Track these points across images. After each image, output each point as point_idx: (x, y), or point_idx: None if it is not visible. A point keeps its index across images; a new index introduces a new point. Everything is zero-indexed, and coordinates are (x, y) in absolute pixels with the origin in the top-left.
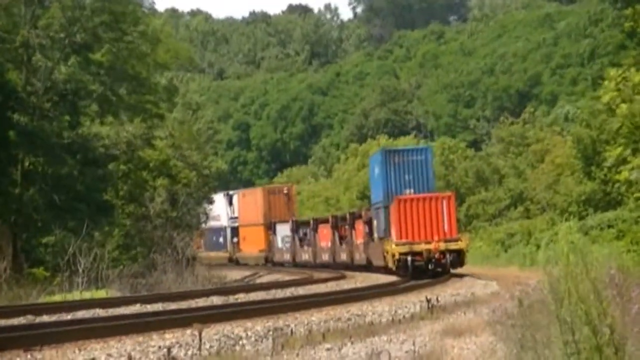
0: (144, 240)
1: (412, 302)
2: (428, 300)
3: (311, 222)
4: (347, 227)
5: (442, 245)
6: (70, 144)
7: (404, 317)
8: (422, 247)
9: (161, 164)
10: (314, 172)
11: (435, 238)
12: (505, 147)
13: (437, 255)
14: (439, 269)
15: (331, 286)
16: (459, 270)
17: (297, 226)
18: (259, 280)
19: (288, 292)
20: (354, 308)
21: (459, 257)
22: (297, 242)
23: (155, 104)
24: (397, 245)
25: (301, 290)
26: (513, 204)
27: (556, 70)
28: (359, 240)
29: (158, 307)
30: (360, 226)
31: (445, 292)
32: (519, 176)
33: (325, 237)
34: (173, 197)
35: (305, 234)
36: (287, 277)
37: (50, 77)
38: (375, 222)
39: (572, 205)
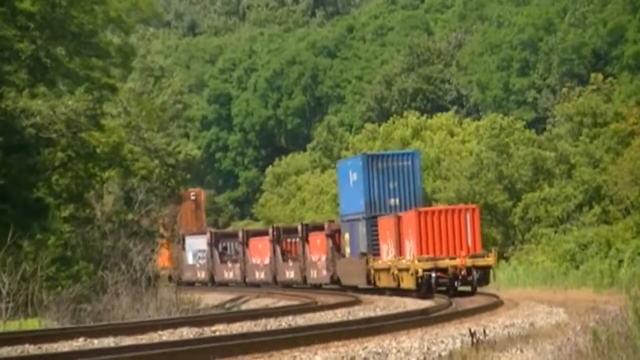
0: (89, 253)
1: (450, 335)
2: (472, 334)
3: (240, 234)
4: (296, 241)
5: (469, 262)
6: None
7: (439, 355)
8: (448, 262)
9: (112, 150)
10: (313, 160)
11: (462, 253)
12: (575, 128)
13: (463, 272)
14: (467, 288)
15: (342, 314)
16: (513, 293)
17: (217, 239)
18: (244, 307)
19: (284, 322)
20: (372, 344)
21: (485, 274)
22: (217, 258)
23: (104, 70)
24: (419, 261)
25: (301, 320)
26: (586, 204)
27: None
28: (316, 256)
29: (109, 342)
30: (319, 240)
31: (495, 323)
32: (594, 167)
33: (260, 252)
34: (128, 195)
35: (226, 248)
36: (281, 302)
37: None
38: (347, 237)
39: None
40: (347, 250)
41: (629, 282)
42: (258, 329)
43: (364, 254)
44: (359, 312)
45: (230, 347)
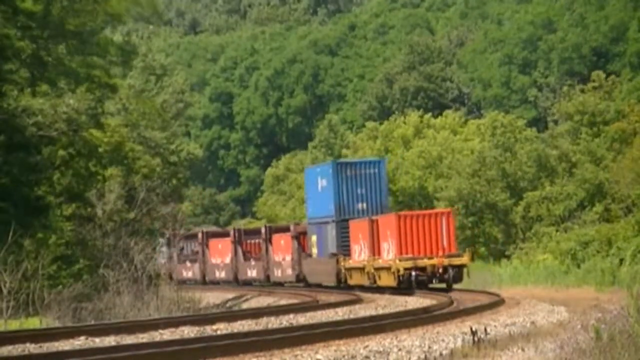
0: (90, 251)
1: (451, 334)
2: (473, 332)
3: (200, 235)
4: (258, 242)
5: (446, 261)
6: None
7: (440, 354)
8: (426, 262)
9: (113, 149)
10: (314, 159)
11: (439, 253)
12: (575, 126)
13: (440, 271)
14: (443, 284)
15: (343, 313)
16: (514, 292)
17: (173, 239)
18: (245, 305)
19: (285, 320)
20: (374, 342)
21: (460, 272)
22: (175, 258)
23: (105, 69)
24: (400, 260)
25: (302, 319)
26: (588, 202)
27: None
28: (280, 256)
29: (110, 341)
30: (283, 241)
31: (497, 321)
32: (595, 165)
33: (220, 252)
34: (129, 193)
35: (182, 249)
36: (282, 301)
37: None
38: (314, 238)
39: None
40: (314, 250)
41: (630, 281)
42: (259, 327)
43: (334, 255)
44: (360, 311)
45: (232, 345)
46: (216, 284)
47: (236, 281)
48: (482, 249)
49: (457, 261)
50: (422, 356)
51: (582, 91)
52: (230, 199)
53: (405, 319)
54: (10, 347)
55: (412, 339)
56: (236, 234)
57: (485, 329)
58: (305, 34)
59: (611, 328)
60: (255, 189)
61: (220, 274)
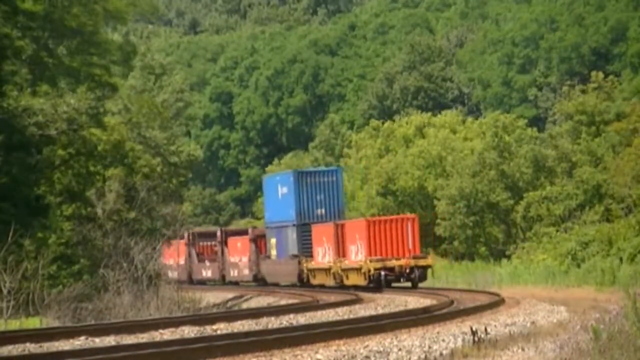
0: (90, 251)
1: (451, 334)
2: (474, 332)
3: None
4: (213, 244)
5: (412, 262)
6: None
7: (440, 354)
8: (394, 262)
9: (113, 148)
10: (315, 159)
11: (406, 255)
12: (575, 126)
13: (407, 271)
14: (409, 283)
15: (343, 312)
16: (514, 292)
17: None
18: (245, 305)
19: (285, 320)
20: (374, 342)
21: (425, 272)
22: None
23: (105, 68)
24: (371, 261)
25: (302, 319)
26: (588, 202)
27: None
28: (236, 257)
29: (110, 341)
30: (239, 244)
31: (497, 321)
32: (595, 165)
33: (172, 254)
34: (130, 193)
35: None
36: (282, 301)
37: None
38: (274, 241)
39: None
40: (274, 252)
41: (628, 281)
42: (259, 327)
43: (295, 256)
44: (360, 311)
45: (232, 345)
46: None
47: (190, 281)
48: (483, 249)
49: (422, 262)
50: (422, 356)
51: (583, 92)
52: (230, 199)
53: (405, 319)
54: (10, 347)
55: (412, 339)
56: (190, 237)
57: (486, 329)
58: (305, 33)
59: (610, 328)
60: (256, 189)
61: (174, 274)
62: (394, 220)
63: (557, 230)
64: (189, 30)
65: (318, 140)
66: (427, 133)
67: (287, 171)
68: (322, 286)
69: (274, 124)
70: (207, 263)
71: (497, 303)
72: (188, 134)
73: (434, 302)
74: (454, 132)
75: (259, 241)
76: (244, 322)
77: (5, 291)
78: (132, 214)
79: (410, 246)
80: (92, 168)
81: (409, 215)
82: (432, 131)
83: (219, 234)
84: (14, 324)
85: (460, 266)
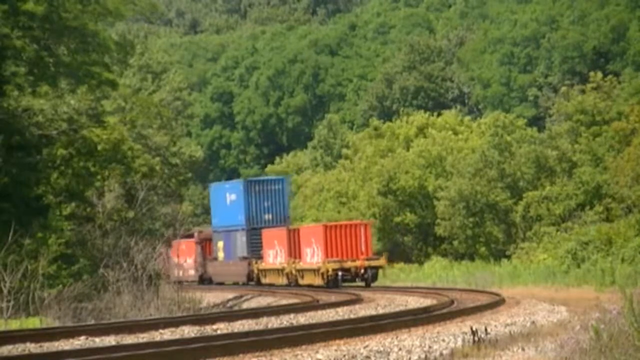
0: (90, 251)
1: (451, 333)
2: (474, 332)
3: None
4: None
5: (366, 263)
6: None
7: (440, 354)
8: (350, 264)
9: (113, 147)
10: (313, 158)
11: (361, 257)
12: (574, 126)
13: (362, 271)
14: (363, 282)
15: (343, 312)
16: (514, 292)
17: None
18: (245, 305)
19: (285, 320)
20: (374, 342)
21: (376, 272)
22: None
23: (105, 65)
24: (329, 263)
25: (302, 318)
26: (588, 202)
27: None
28: (182, 259)
29: (110, 341)
30: (184, 246)
31: (497, 321)
32: (595, 165)
33: None
34: (129, 193)
35: None
36: (283, 301)
37: None
38: (221, 244)
39: None
40: (221, 254)
41: (625, 281)
42: (259, 327)
43: (245, 258)
44: (360, 311)
45: (232, 345)
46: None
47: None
48: (483, 249)
49: (375, 263)
50: (423, 356)
51: (583, 92)
52: None
53: (406, 319)
54: (10, 347)
55: (412, 339)
56: None
57: (486, 329)
58: (305, 33)
59: (610, 328)
60: None
61: None
62: (348, 225)
63: (557, 230)
64: (189, 30)
65: (317, 139)
66: (428, 133)
67: (236, 180)
68: (271, 285)
69: (274, 123)
70: None
71: (497, 303)
72: (189, 134)
73: (434, 302)
74: (455, 132)
75: (204, 244)
76: (243, 322)
77: (5, 291)
78: (132, 214)
79: (363, 249)
80: (91, 168)
81: (362, 221)
82: (432, 131)
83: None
84: (14, 324)
85: (460, 266)
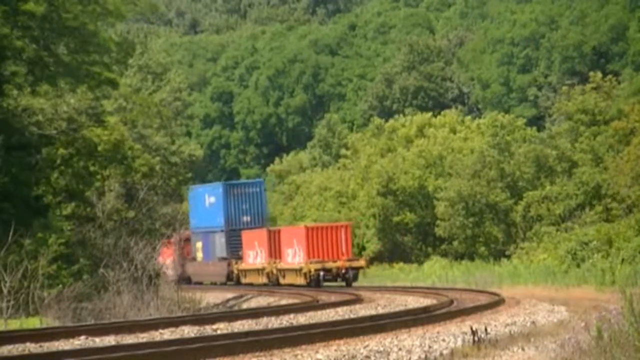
0: (90, 251)
1: (451, 333)
2: (474, 332)
3: None
4: None
5: (347, 264)
6: None
7: (440, 354)
8: (332, 264)
9: (113, 147)
10: (313, 158)
11: (342, 258)
12: (574, 126)
13: (343, 272)
14: (344, 282)
15: (343, 312)
16: (514, 291)
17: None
18: (245, 305)
19: (285, 320)
20: (374, 342)
21: (357, 273)
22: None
23: (105, 65)
24: (311, 263)
25: (302, 318)
26: (588, 202)
27: None
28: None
29: (110, 341)
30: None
31: (497, 321)
32: (595, 165)
33: None
34: (129, 193)
35: None
36: (282, 301)
37: None
38: (199, 245)
39: None
40: (200, 255)
41: (625, 281)
42: (259, 327)
43: (224, 258)
44: (360, 311)
45: (231, 345)
46: None
47: None
48: (482, 249)
49: (355, 264)
50: (423, 356)
51: (583, 92)
52: None
53: (405, 319)
54: (10, 347)
55: (412, 339)
56: None
57: (486, 329)
58: (305, 33)
59: (611, 328)
60: None
61: None
62: (329, 227)
63: (557, 230)
64: (189, 30)
65: (316, 139)
66: (428, 133)
67: (215, 183)
68: (251, 284)
69: (274, 123)
70: None
71: (497, 303)
72: (189, 134)
73: (434, 301)
74: (454, 132)
75: (183, 245)
76: (243, 322)
77: (5, 291)
78: (132, 213)
79: (344, 250)
80: (91, 168)
81: (343, 223)
82: (432, 131)
83: None
84: (14, 324)
85: (460, 266)
